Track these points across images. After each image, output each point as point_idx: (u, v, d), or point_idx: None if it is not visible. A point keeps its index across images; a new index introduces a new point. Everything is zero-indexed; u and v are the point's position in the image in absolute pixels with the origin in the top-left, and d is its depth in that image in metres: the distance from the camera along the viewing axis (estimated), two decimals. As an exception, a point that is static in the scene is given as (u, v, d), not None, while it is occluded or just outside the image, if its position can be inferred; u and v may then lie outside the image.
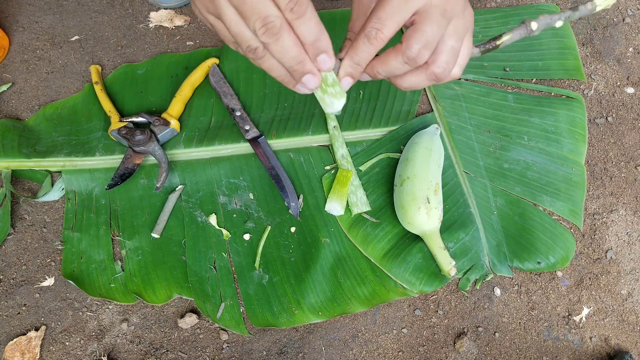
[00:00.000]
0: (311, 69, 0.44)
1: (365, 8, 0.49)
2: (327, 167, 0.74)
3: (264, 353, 0.66)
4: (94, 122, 0.77)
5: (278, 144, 0.75)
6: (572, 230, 0.72)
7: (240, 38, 0.42)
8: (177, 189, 0.73)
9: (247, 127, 0.74)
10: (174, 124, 0.74)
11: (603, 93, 0.82)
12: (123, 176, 0.72)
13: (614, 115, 0.80)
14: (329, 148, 0.76)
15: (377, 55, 0.46)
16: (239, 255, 0.70)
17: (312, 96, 0.78)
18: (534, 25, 0.48)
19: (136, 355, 0.66)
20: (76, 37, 0.85)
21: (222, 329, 0.67)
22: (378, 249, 0.69)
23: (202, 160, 0.74)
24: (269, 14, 0.40)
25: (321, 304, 0.67)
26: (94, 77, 0.79)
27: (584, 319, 0.69)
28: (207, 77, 0.79)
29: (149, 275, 0.68)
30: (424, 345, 0.67)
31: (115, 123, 0.73)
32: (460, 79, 0.80)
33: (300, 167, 0.74)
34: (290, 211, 0.71)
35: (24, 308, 0.68)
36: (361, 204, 0.71)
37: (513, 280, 0.70)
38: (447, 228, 0.70)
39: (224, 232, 0.70)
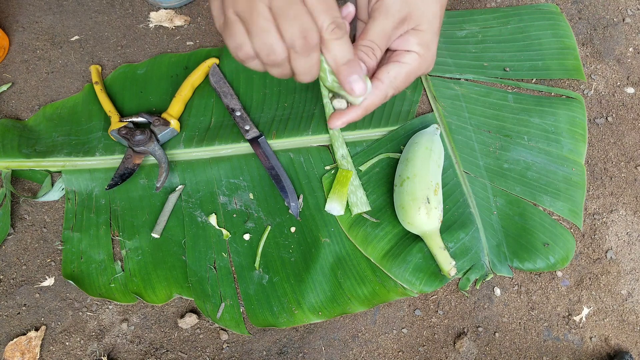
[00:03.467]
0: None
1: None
2: (327, 167, 0.74)
3: (264, 353, 0.66)
4: (94, 122, 0.77)
5: (278, 144, 0.75)
6: (572, 230, 0.72)
7: (265, 44, 0.41)
8: (177, 189, 0.73)
9: (247, 127, 0.74)
10: (174, 124, 0.74)
11: (603, 93, 0.82)
12: (123, 176, 0.72)
13: (614, 115, 0.80)
14: (329, 148, 0.76)
15: None
16: (239, 255, 0.70)
17: (312, 96, 0.78)
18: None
19: (136, 355, 0.66)
20: (76, 37, 0.85)
21: (222, 329, 0.67)
22: (378, 249, 0.69)
23: (202, 160, 0.74)
24: (310, 27, 0.41)
25: (321, 304, 0.67)
26: (94, 77, 0.79)
27: (584, 319, 0.69)
28: (207, 77, 0.79)
29: (149, 275, 0.68)
30: (424, 345, 0.67)
31: (115, 123, 0.73)
32: (460, 79, 0.80)
33: (300, 167, 0.74)
34: (290, 211, 0.71)
35: (24, 308, 0.68)
36: (361, 204, 0.71)
37: (513, 280, 0.70)
38: (447, 228, 0.70)
39: (224, 232, 0.70)
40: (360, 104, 0.49)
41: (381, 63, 0.51)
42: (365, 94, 0.47)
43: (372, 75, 0.51)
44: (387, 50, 0.51)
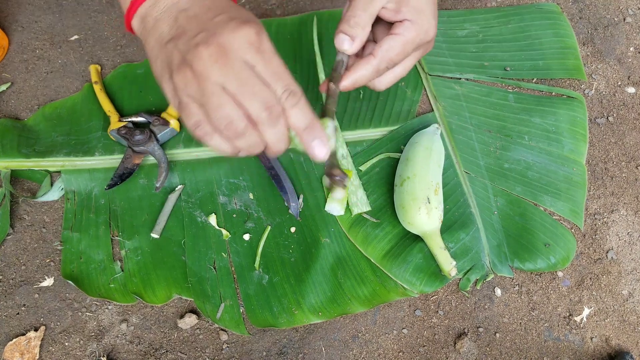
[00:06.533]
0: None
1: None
2: (327, 167, 0.74)
3: (264, 353, 0.66)
4: (93, 122, 0.76)
5: (278, 143, 0.75)
6: (572, 231, 0.72)
7: (222, 116, 0.41)
8: (176, 189, 0.73)
9: (247, 127, 0.74)
10: (174, 123, 0.74)
11: (604, 93, 0.81)
12: (122, 176, 0.72)
13: (614, 115, 0.80)
14: (329, 148, 0.75)
15: None
16: (239, 256, 0.69)
17: (311, 97, 0.78)
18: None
19: (136, 355, 0.66)
20: (75, 36, 0.84)
21: (222, 330, 0.67)
22: (378, 249, 0.69)
23: (202, 160, 0.74)
24: (271, 99, 0.41)
25: (321, 304, 0.67)
26: (94, 77, 0.79)
27: (584, 319, 0.68)
28: (206, 76, 0.79)
29: (148, 276, 0.68)
30: (424, 346, 0.67)
31: (115, 123, 0.73)
32: (460, 78, 0.80)
33: (300, 167, 0.74)
34: (290, 211, 0.71)
35: (23, 308, 0.68)
36: (361, 204, 0.71)
37: (514, 281, 0.70)
38: (448, 228, 0.70)
39: (224, 232, 0.70)
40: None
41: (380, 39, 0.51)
42: (327, 156, 0.47)
43: (364, 49, 0.51)
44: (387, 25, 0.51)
